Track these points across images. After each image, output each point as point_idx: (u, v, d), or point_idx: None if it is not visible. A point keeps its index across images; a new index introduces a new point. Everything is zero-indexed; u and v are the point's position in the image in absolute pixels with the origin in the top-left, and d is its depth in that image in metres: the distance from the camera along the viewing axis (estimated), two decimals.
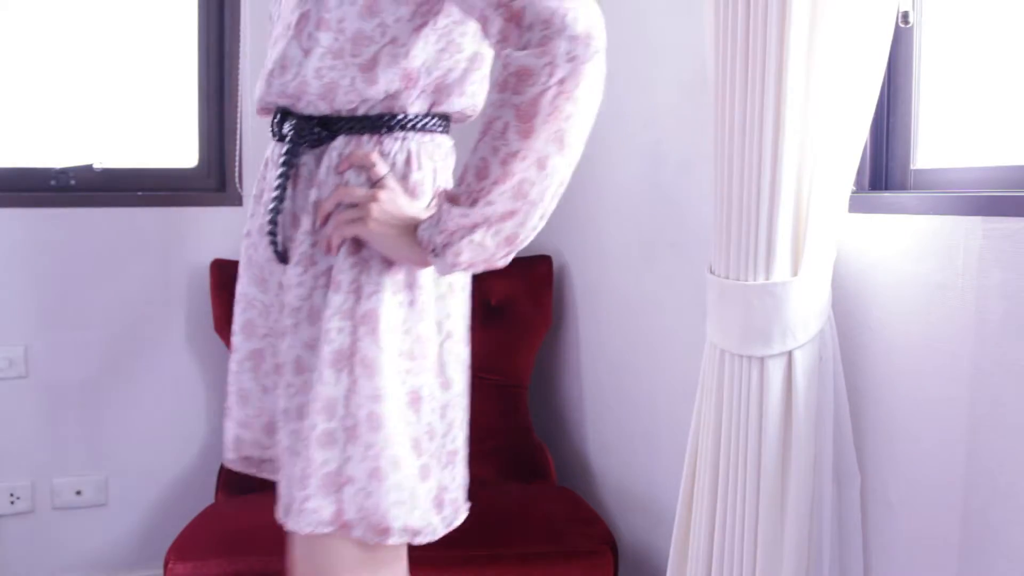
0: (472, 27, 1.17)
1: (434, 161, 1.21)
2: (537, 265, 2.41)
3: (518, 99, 1.04)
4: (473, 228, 1.09)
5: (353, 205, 1.15)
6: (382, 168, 1.17)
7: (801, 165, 1.24)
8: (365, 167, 1.17)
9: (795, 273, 1.26)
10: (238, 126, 2.39)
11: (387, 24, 1.14)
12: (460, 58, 1.19)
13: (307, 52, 1.17)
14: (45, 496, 2.33)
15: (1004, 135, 1.29)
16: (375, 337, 1.15)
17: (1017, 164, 1.21)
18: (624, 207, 2.05)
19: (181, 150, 2.43)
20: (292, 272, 1.20)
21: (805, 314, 1.26)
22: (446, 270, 1.14)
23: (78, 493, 2.34)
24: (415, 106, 1.19)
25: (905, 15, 1.32)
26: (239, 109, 2.37)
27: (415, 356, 1.18)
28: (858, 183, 1.37)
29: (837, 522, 1.30)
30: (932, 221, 1.19)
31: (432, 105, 1.20)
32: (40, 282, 2.28)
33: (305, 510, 1.15)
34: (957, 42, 1.34)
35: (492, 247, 1.12)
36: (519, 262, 2.42)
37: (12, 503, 2.30)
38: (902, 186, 1.38)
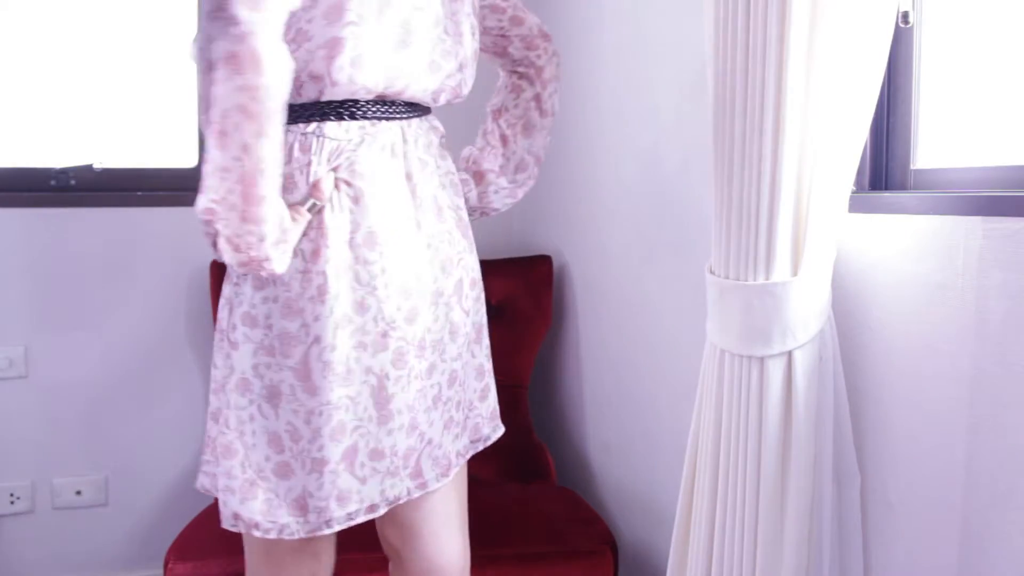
0: (319, 12, 1.14)
1: (311, 154, 1.18)
2: (537, 265, 2.41)
3: (198, 91, 1.05)
4: (205, 226, 1.08)
5: None
6: None
7: (801, 165, 1.24)
8: None
9: (795, 273, 1.26)
10: None
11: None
12: (312, 46, 1.14)
13: None
14: (45, 496, 2.33)
15: (1004, 135, 1.29)
16: (227, 326, 1.21)
17: (1017, 164, 1.21)
18: (624, 207, 2.05)
19: (181, 150, 2.43)
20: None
21: (805, 314, 1.26)
22: (232, 269, 1.15)
23: (78, 493, 2.34)
24: (302, 98, 1.17)
25: (905, 15, 1.32)
26: None
27: (276, 352, 1.18)
28: (858, 183, 1.37)
29: (837, 522, 1.30)
30: (932, 221, 1.19)
31: (319, 95, 1.18)
32: (40, 282, 2.28)
33: (202, 472, 1.26)
34: (957, 42, 1.34)
35: (226, 250, 1.09)
36: (519, 262, 2.44)
37: (12, 503, 2.30)
38: (902, 186, 1.38)
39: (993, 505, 1.11)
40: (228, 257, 1.09)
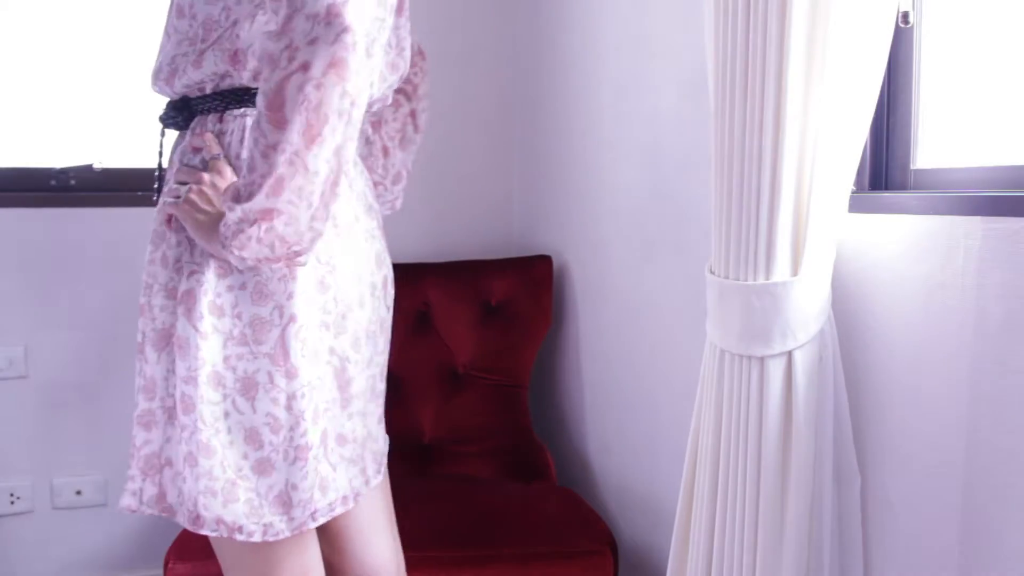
0: None
1: None
2: (537, 265, 2.41)
3: (266, 86, 0.99)
4: (247, 223, 1.03)
5: (182, 183, 1.15)
6: (213, 148, 1.15)
7: (801, 165, 1.24)
8: (200, 148, 1.17)
9: (795, 273, 1.26)
10: None
11: (230, 7, 1.14)
12: None
13: (169, 38, 1.20)
14: (45, 496, 2.33)
15: (1004, 135, 1.29)
16: (190, 318, 1.14)
17: (1017, 164, 1.21)
18: (624, 207, 2.05)
19: None
20: (147, 250, 1.21)
21: (805, 314, 1.26)
22: (239, 263, 1.09)
23: (78, 493, 2.34)
24: (256, 82, 1.15)
25: (905, 15, 1.32)
26: None
27: (248, 341, 1.14)
28: (858, 183, 1.37)
29: (837, 522, 1.30)
30: (932, 221, 1.19)
31: None
32: (40, 282, 2.28)
33: (126, 490, 1.20)
34: (957, 42, 1.34)
35: (271, 246, 1.05)
36: (519, 262, 2.45)
37: (12, 503, 2.30)
38: (902, 186, 1.38)
39: (993, 505, 1.12)
40: (260, 252, 1.05)
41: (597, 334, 2.26)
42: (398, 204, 1.56)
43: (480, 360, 2.39)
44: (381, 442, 1.35)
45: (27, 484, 2.31)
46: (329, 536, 1.36)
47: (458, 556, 1.79)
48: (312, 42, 0.96)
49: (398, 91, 1.51)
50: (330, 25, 0.96)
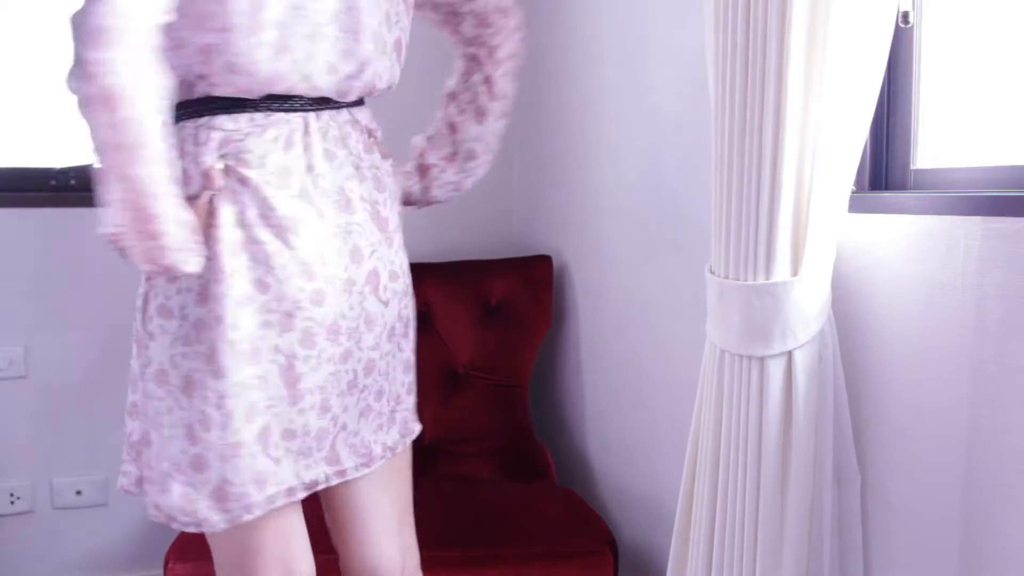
0: (193, 19, 1.15)
1: (200, 146, 1.20)
2: (537, 265, 2.41)
3: None
4: (114, 243, 1.13)
5: None
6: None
7: (801, 165, 1.24)
8: None
9: (795, 273, 1.26)
10: None
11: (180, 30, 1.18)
12: (188, 53, 1.17)
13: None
14: (45, 496, 2.33)
15: (1004, 135, 1.29)
16: (143, 318, 1.24)
17: (1017, 164, 1.21)
18: (624, 207, 2.05)
19: None
20: None
21: (805, 314, 1.26)
22: (150, 273, 1.19)
23: (78, 493, 2.35)
24: (195, 95, 1.21)
25: (905, 15, 1.32)
26: None
27: (191, 341, 1.19)
28: (858, 183, 1.37)
29: (837, 522, 1.30)
30: (932, 221, 1.19)
31: (209, 92, 1.20)
32: (40, 282, 2.28)
33: (120, 472, 1.32)
34: (957, 42, 1.34)
35: (143, 260, 1.13)
36: (519, 262, 2.45)
37: (12, 503, 2.30)
38: (902, 186, 1.38)
39: (993, 505, 1.12)
40: (141, 265, 1.14)
41: (597, 334, 2.26)
42: (467, 184, 1.48)
43: (480, 360, 2.39)
44: (367, 435, 1.32)
45: (27, 484, 2.31)
46: (335, 527, 1.39)
47: (458, 556, 1.79)
48: (74, 78, 1.06)
49: (470, 58, 1.43)
50: (80, 63, 1.04)
